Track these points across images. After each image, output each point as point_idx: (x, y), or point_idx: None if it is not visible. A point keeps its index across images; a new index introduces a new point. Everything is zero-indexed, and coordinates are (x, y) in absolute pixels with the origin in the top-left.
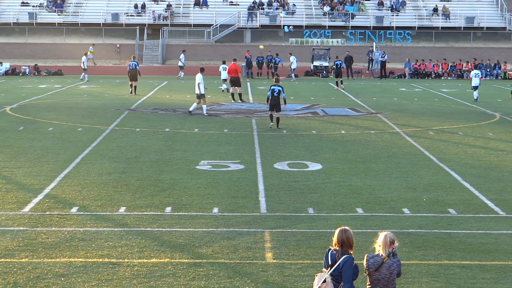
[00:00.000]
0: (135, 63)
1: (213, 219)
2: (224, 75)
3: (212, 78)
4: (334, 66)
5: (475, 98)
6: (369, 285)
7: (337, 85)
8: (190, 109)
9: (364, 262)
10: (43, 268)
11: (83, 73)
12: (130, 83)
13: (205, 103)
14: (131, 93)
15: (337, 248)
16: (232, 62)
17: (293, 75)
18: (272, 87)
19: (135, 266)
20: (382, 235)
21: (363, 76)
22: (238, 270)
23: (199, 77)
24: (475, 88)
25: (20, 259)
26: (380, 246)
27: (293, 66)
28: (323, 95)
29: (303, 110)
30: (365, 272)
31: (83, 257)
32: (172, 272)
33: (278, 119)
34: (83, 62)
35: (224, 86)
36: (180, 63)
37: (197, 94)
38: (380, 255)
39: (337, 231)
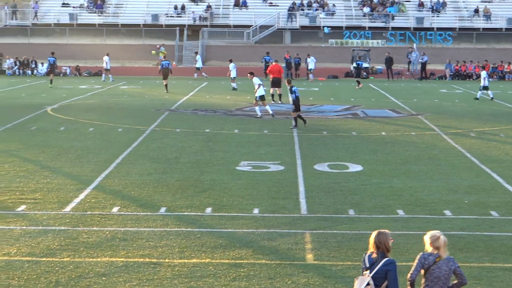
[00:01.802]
0: (168, 62)
1: (254, 220)
2: (233, 73)
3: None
4: (356, 66)
5: None
6: (426, 285)
7: (358, 84)
8: (259, 114)
9: (416, 261)
10: (84, 268)
11: (103, 74)
12: (165, 82)
13: (264, 105)
14: (167, 91)
15: (374, 251)
16: (274, 63)
17: (311, 75)
18: (294, 89)
19: (176, 266)
20: (436, 236)
21: (404, 78)
22: (279, 271)
23: (256, 80)
24: None
25: (62, 259)
26: (438, 247)
27: (310, 66)
28: (363, 96)
29: (343, 111)
30: (422, 270)
31: (124, 257)
32: (213, 272)
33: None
34: (106, 62)
35: (234, 85)
36: (198, 65)
37: (259, 96)
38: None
39: (372, 234)
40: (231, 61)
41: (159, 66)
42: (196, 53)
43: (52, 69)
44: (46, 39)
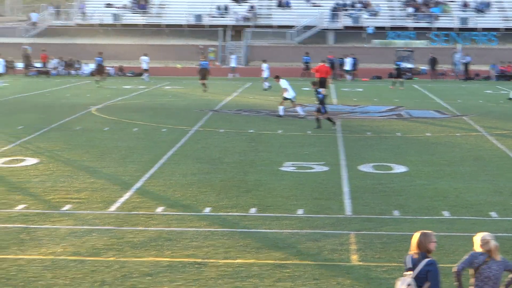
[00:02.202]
0: (206, 62)
1: (298, 220)
2: (266, 73)
3: (294, 80)
4: (395, 66)
5: None
6: (476, 285)
7: (393, 85)
8: (281, 113)
9: (466, 256)
10: (129, 267)
11: (144, 74)
12: (201, 82)
13: (295, 106)
14: (204, 91)
15: (416, 252)
16: (321, 63)
17: (348, 76)
18: (319, 90)
19: (220, 267)
20: (486, 239)
21: (448, 78)
22: (324, 271)
23: (284, 82)
24: None
25: (107, 258)
26: (488, 250)
27: (347, 67)
28: (408, 97)
29: (387, 112)
30: (472, 269)
31: (169, 256)
32: (257, 273)
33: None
34: (146, 63)
35: (266, 85)
36: (232, 64)
37: (290, 98)
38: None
39: (414, 235)
40: (265, 61)
41: (198, 66)
42: (231, 53)
43: (100, 70)
44: (90, 39)
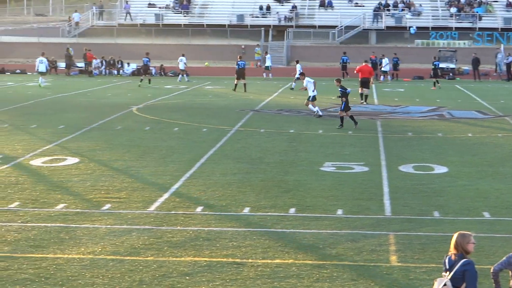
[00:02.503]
0: (244, 62)
1: (337, 220)
2: (298, 74)
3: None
4: (433, 67)
5: None
6: None
7: (434, 85)
8: (320, 113)
9: (504, 258)
10: (168, 267)
11: (180, 74)
12: (236, 81)
13: (313, 105)
14: (234, 90)
15: (454, 253)
16: (364, 64)
17: (382, 77)
18: (341, 89)
19: (259, 267)
20: None
21: (491, 79)
22: (362, 272)
23: (307, 80)
24: None
25: (146, 258)
26: None
27: (384, 68)
28: (449, 97)
29: (428, 112)
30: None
31: (207, 256)
32: (296, 273)
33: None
34: (184, 63)
35: (294, 84)
36: (267, 64)
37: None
38: None
39: (453, 236)
40: (297, 62)
41: (236, 66)
42: (266, 52)
43: (145, 69)
44: (132, 39)
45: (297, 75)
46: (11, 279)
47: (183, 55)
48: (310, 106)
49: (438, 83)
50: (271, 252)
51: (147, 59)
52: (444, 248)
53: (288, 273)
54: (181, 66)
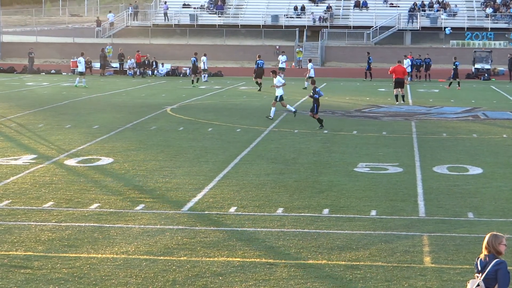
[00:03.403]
0: (262, 62)
1: (371, 221)
2: (312, 73)
3: (372, 81)
4: (454, 67)
5: None
6: None
7: (449, 85)
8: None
9: None
10: (201, 267)
11: (203, 74)
12: (256, 80)
13: (284, 105)
14: (259, 90)
15: (485, 254)
16: (398, 64)
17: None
18: (318, 89)
19: (292, 267)
20: None
21: None
22: (396, 273)
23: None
24: None
25: (179, 258)
26: None
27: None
28: (485, 98)
29: (463, 113)
30: None
31: (240, 256)
32: (329, 274)
33: None
34: (203, 63)
35: (307, 84)
36: (281, 65)
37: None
38: None
39: (485, 237)
40: (310, 61)
41: (255, 66)
42: (283, 52)
43: (194, 69)
44: (167, 39)
45: (310, 74)
46: (45, 279)
47: (204, 55)
48: (273, 107)
49: (458, 85)
50: (304, 253)
51: (194, 58)
52: (478, 250)
53: (321, 274)
54: (203, 65)
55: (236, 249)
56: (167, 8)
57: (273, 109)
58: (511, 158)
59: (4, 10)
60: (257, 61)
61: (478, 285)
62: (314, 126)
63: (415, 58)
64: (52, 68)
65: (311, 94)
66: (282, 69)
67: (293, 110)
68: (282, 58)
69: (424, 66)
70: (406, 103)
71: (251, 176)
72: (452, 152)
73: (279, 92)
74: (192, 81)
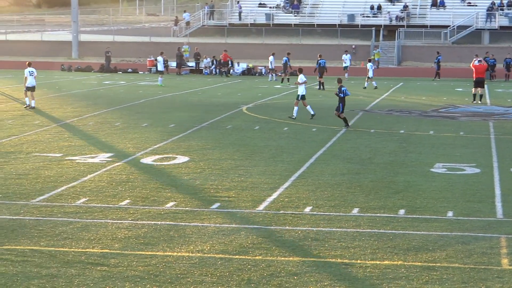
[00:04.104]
0: (324, 61)
1: (448, 222)
2: (370, 73)
3: (449, 80)
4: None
5: None
6: None
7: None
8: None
9: None
10: (276, 266)
11: (270, 74)
12: (321, 80)
13: (305, 105)
14: (323, 89)
15: None
16: (479, 63)
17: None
18: (344, 89)
19: (367, 268)
20: None
21: None
22: (473, 275)
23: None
24: None
25: (254, 257)
26: None
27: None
28: None
29: None
30: None
31: (315, 256)
32: (405, 275)
33: None
34: (270, 62)
35: (367, 84)
36: (345, 64)
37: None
38: None
39: None
40: (369, 60)
41: (316, 65)
42: (346, 52)
43: (285, 69)
44: (243, 39)
45: (369, 75)
46: (121, 276)
47: (272, 54)
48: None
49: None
50: (380, 253)
51: (286, 58)
52: None
53: (397, 275)
54: (270, 65)
55: (311, 249)
56: (241, 8)
57: (295, 108)
58: None
59: (81, 9)
60: (319, 60)
61: None
62: (391, 126)
63: (489, 58)
64: (129, 67)
65: (337, 92)
66: (346, 68)
67: (312, 113)
68: (345, 57)
69: (504, 66)
70: (484, 103)
71: (327, 175)
72: None
73: (301, 90)
74: (282, 79)
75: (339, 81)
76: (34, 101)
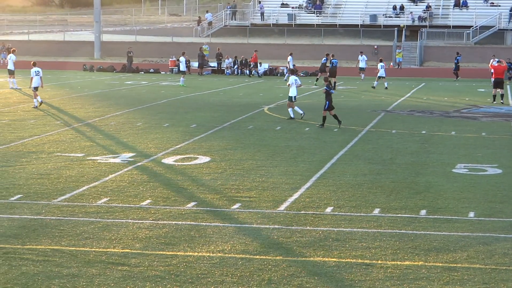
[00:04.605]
0: (336, 61)
1: (469, 223)
2: (382, 73)
3: (471, 81)
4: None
5: None
6: None
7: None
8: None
9: None
10: (297, 266)
11: (287, 74)
12: (330, 79)
13: (291, 106)
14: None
15: None
16: (498, 64)
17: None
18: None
19: (388, 268)
20: None
21: None
22: (494, 276)
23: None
24: None
25: (275, 257)
26: None
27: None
28: None
29: None
30: None
31: (336, 257)
32: (426, 275)
33: None
34: (289, 62)
35: (376, 83)
36: (361, 65)
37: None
38: None
39: None
40: (381, 60)
41: (329, 65)
42: (362, 52)
43: (322, 69)
44: (265, 39)
45: (382, 74)
46: (142, 276)
47: (290, 55)
48: (290, 108)
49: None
50: (401, 254)
51: (325, 59)
52: None
53: (418, 275)
54: (289, 65)
55: (332, 249)
56: (262, 8)
57: (289, 109)
58: None
59: (104, 9)
60: (332, 60)
61: None
62: (412, 126)
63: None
64: (151, 67)
65: (325, 89)
66: (362, 69)
67: (292, 116)
68: (361, 58)
69: None
70: (506, 104)
71: (348, 176)
72: None
73: (292, 92)
74: (317, 79)
75: (326, 79)
76: (39, 97)
